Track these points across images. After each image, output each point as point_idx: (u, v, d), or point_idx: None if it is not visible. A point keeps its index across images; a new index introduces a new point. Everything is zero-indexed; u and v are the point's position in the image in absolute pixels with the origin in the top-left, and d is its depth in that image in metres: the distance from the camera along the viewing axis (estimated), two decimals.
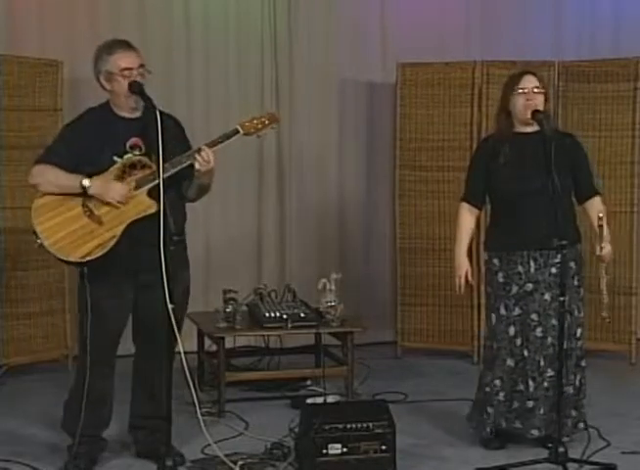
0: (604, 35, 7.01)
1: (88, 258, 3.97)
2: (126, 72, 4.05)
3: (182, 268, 4.22)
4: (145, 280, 4.10)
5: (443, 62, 6.35)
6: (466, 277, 4.54)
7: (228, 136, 4.16)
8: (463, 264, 4.55)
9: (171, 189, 3.98)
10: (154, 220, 3.95)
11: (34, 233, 4.00)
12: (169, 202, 3.88)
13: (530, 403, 4.44)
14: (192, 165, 4.07)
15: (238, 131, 4.17)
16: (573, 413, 4.49)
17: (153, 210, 3.98)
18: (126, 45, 4.11)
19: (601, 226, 4.29)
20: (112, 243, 3.97)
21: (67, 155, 4.06)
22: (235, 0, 6.65)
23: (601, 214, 4.31)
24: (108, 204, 4.00)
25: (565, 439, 4.32)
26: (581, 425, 4.54)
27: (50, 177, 4.04)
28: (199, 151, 4.07)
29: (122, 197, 4.00)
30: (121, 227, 4.00)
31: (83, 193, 4.00)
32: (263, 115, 4.32)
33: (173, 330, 3.80)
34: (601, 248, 4.33)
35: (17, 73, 5.76)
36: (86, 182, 3.98)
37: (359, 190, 6.96)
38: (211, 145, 4.10)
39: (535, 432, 4.45)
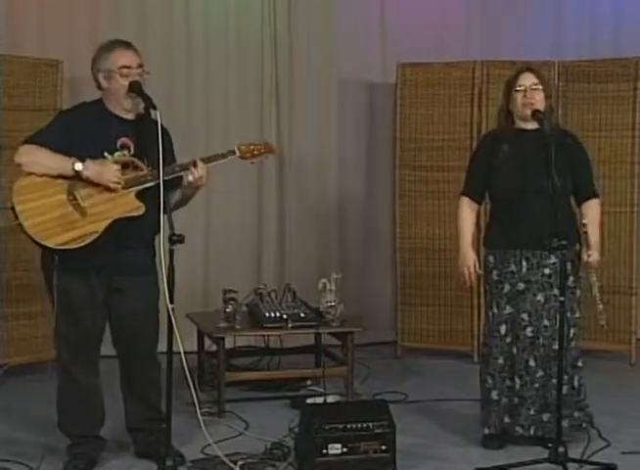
0: (604, 35, 7.01)
1: (65, 247, 3.92)
2: (124, 70, 4.06)
3: (149, 273, 4.18)
4: (119, 283, 4.11)
5: (443, 62, 6.35)
6: (474, 268, 4.54)
7: (224, 155, 4.23)
8: (469, 256, 4.54)
9: (156, 196, 3.89)
10: (135, 223, 3.97)
11: (13, 211, 3.93)
12: (155, 207, 3.86)
13: (515, 400, 4.45)
14: (179, 177, 4.09)
15: (234, 153, 4.26)
16: (576, 414, 4.49)
17: (139, 212, 3.99)
18: (126, 44, 4.13)
19: (586, 232, 4.31)
20: (92, 237, 3.93)
21: (56, 139, 4.02)
22: (235, 0, 6.65)
23: (585, 221, 4.34)
24: (102, 187, 3.95)
25: (564, 439, 4.33)
26: (584, 425, 4.54)
27: (38, 157, 3.98)
28: (194, 164, 4.09)
29: (119, 178, 3.97)
30: (105, 223, 3.96)
31: (74, 176, 3.95)
32: (261, 143, 4.41)
33: (172, 330, 3.80)
34: (588, 255, 4.35)
35: (17, 73, 5.75)
36: (79, 166, 3.94)
37: (359, 190, 6.96)
38: (207, 161, 4.15)
39: (519, 429, 4.45)
